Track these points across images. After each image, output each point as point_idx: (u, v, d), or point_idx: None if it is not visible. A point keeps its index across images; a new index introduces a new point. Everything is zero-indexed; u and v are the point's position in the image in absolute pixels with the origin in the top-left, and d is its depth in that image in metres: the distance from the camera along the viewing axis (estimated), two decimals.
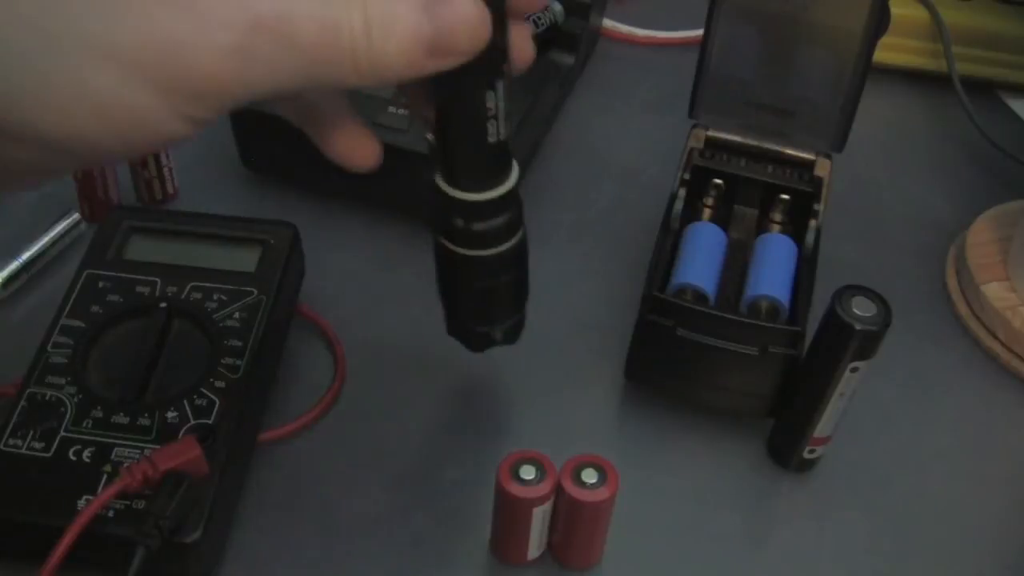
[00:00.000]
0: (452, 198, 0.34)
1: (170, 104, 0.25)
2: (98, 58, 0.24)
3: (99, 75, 0.24)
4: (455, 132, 0.33)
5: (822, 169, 0.45)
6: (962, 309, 0.49)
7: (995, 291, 0.48)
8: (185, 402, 0.37)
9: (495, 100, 0.32)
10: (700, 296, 0.41)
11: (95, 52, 0.24)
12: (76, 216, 0.47)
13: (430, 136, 0.34)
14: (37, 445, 0.36)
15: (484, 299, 0.37)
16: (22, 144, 0.26)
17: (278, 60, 0.26)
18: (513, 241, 0.36)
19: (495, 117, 0.32)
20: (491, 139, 0.33)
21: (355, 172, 0.34)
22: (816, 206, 0.43)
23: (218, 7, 0.25)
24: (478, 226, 0.34)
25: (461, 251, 0.35)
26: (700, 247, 0.43)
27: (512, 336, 0.40)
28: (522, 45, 0.33)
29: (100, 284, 0.41)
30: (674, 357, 0.41)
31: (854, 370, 0.37)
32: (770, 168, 0.45)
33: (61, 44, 0.24)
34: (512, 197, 0.35)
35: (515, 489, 0.34)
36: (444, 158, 0.34)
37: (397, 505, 0.39)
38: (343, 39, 0.27)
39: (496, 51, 0.30)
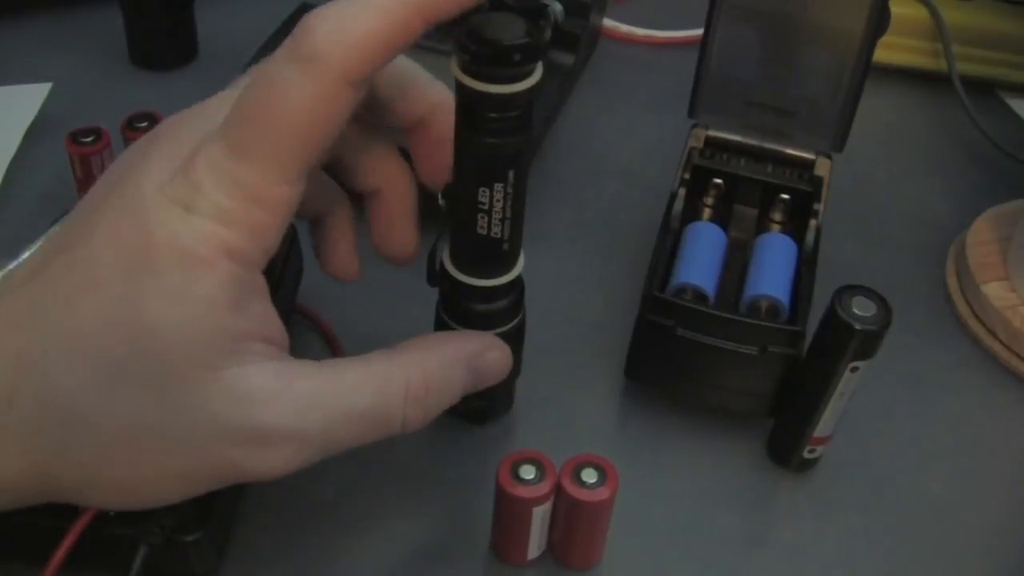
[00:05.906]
0: (444, 266, 0.35)
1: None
2: (171, 474, 0.29)
3: (169, 483, 0.30)
4: (454, 217, 0.34)
5: (822, 169, 0.45)
6: (962, 309, 0.49)
7: (995, 291, 0.48)
8: None
9: (488, 196, 0.32)
10: (700, 296, 0.41)
11: (171, 466, 0.29)
12: None
13: (441, 201, 0.35)
14: None
15: None
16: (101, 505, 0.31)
17: (325, 453, 0.31)
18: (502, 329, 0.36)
19: (486, 212, 0.33)
20: (480, 231, 0.33)
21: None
22: (816, 206, 0.43)
23: (274, 424, 0.29)
24: (467, 304, 0.36)
25: (451, 323, 0.36)
26: (700, 247, 0.43)
27: (477, 419, 0.41)
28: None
29: None
30: (674, 357, 0.41)
31: (854, 370, 0.37)
32: (770, 168, 0.45)
33: (140, 457, 0.29)
34: (499, 291, 0.36)
35: (515, 489, 0.34)
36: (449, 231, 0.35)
37: (397, 505, 0.39)
38: (394, 428, 0.32)
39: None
